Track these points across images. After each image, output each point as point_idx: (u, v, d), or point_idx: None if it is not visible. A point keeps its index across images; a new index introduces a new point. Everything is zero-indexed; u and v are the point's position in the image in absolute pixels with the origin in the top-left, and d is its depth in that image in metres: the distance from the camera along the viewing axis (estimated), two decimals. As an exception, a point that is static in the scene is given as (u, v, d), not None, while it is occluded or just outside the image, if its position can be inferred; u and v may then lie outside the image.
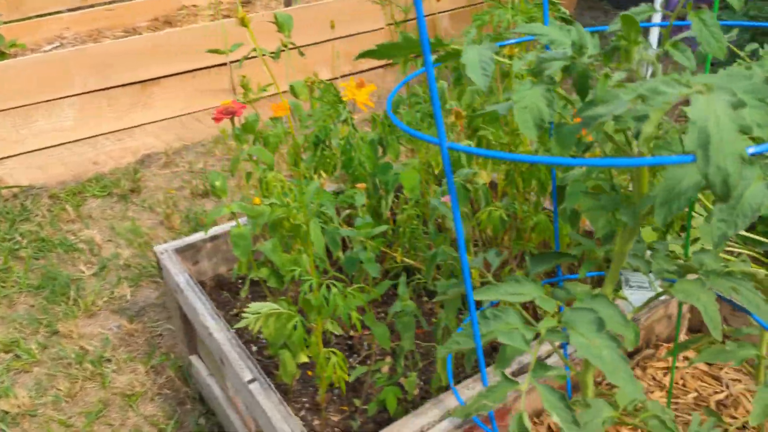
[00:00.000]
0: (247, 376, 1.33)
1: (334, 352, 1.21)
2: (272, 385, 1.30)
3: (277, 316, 1.16)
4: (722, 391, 1.49)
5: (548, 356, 1.32)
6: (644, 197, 0.87)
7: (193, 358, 1.81)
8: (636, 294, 1.01)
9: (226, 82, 3.40)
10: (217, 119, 1.15)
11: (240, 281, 1.92)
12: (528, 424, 0.73)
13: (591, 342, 0.74)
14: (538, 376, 0.77)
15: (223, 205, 1.18)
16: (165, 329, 2.16)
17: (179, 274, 1.64)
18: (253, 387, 1.30)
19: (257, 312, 1.15)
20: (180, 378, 1.95)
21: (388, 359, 1.32)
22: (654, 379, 1.53)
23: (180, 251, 1.76)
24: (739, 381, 1.52)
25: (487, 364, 1.16)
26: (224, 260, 1.86)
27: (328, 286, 1.15)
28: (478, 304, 1.32)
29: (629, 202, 0.91)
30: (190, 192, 2.97)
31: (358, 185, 1.41)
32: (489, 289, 0.85)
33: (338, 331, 1.25)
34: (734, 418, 1.43)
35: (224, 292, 1.89)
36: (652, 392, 1.50)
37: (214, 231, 1.82)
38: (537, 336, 0.81)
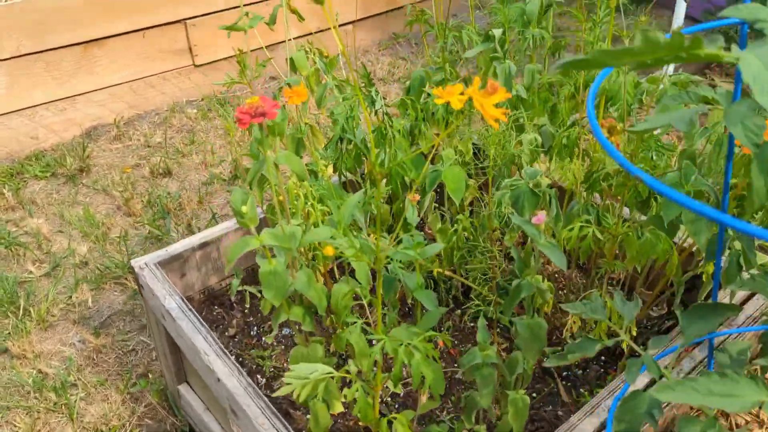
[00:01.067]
0: (276, 439, 1.06)
1: (396, 418, 0.95)
2: (311, 452, 1.04)
3: (327, 380, 0.90)
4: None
5: None
6: None
7: (183, 388, 1.52)
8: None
9: (181, 41, 2.99)
10: (242, 123, 0.85)
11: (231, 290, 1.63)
12: None
13: None
14: None
15: (251, 238, 0.89)
16: (138, 343, 1.85)
17: (168, 296, 1.33)
18: (286, 454, 1.04)
19: (304, 377, 0.88)
20: (164, 406, 1.65)
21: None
22: None
23: (164, 264, 1.44)
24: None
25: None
26: (215, 270, 1.56)
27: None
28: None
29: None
30: (149, 170, 2.60)
31: (411, 197, 1.13)
32: (678, 386, 0.61)
33: (400, 391, 0.99)
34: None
35: (216, 308, 1.60)
36: None
37: (203, 237, 1.51)
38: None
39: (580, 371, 1.42)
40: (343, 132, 1.23)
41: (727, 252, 1.12)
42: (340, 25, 3.54)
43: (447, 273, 1.18)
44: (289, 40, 1.49)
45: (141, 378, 1.74)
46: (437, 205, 1.47)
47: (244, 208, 0.87)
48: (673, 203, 1.10)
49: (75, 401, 1.67)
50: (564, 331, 1.29)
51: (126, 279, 2.06)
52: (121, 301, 2.00)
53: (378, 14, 3.64)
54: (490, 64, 1.21)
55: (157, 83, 3.05)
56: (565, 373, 1.42)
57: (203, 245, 1.50)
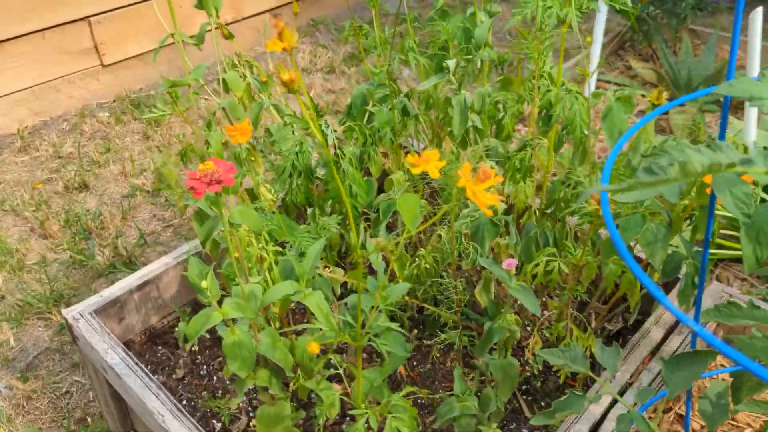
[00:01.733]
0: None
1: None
2: None
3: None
4: None
5: None
6: None
7: (130, 437, 1.43)
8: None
9: (86, 40, 2.77)
10: (197, 193, 0.76)
11: (176, 329, 1.54)
12: None
13: None
14: None
15: (212, 311, 0.82)
16: (72, 384, 1.73)
17: (110, 350, 1.24)
18: None
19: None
20: (109, 453, 1.56)
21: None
22: None
23: (101, 312, 1.34)
24: None
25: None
26: (155, 309, 1.46)
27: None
28: None
29: None
30: (63, 185, 2.42)
31: (376, 248, 1.08)
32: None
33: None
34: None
35: (159, 348, 1.50)
36: None
37: (141, 276, 1.41)
38: None
39: (539, 383, 1.43)
40: (293, 168, 1.16)
41: (683, 270, 1.14)
42: (256, 14, 3.39)
43: (414, 302, 1.14)
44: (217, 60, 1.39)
45: (79, 424, 1.62)
46: (388, 230, 1.43)
47: (204, 284, 0.80)
48: (634, 226, 1.10)
49: (8, 457, 1.55)
50: (526, 351, 1.29)
51: (50, 313, 1.91)
52: (47, 338, 1.85)
53: (297, 0, 3.51)
54: (446, 107, 1.17)
55: (63, 87, 2.83)
56: (524, 387, 1.43)
57: (142, 286, 1.40)
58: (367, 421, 0.94)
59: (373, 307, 1.09)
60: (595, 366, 1.40)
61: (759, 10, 1.74)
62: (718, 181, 0.63)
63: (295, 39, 0.60)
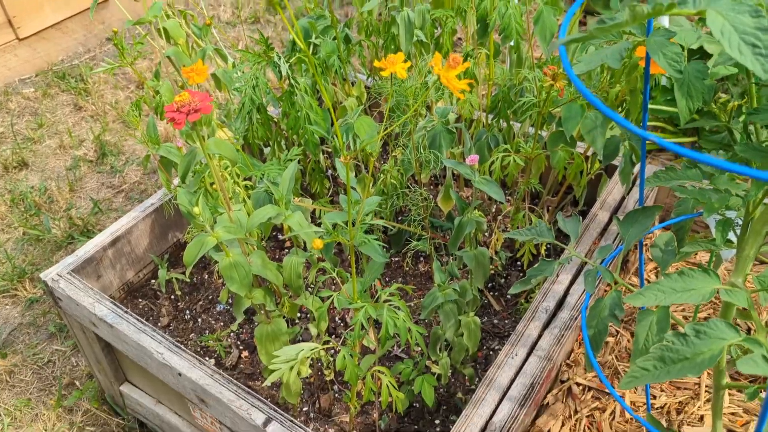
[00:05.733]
0: (259, 417, 1.08)
1: (381, 371, 1.01)
2: (295, 422, 1.07)
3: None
4: None
5: None
6: None
7: (125, 388, 1.48)
8: None
9: (-4, 14, 2.66)
10: (177, 123, 0.80)
11: (152, 281, 1.57)
12: None
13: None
14: None
15: (207, 237, 0.87)
16: (53, 353, 1.75)
17: (97, 303, 1.27)
18: (273, 429, 1.07)
19: (292, 359, 0.90)
20: (104, 410, 1.60)
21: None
22: None
23: (79, 270, 1.36)
24: None
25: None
26: (130, 264, 1.49)
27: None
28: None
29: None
30: (1, 165, 2.36)
31: (343, 159, 1.14)
32: (646, 292, 0.71)
33: (383, 350, 1.03)
34: None
35: (140, 300, 1.54)
36: None
37: (112, 232, 1.43)
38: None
39: (503, 279, 1.55)
40: (251, 103, 1.19)
41: (621, 151, 1.25)
42: (169, -29, 3.30)
43: (386, 223, 1.22)
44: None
45: (69, 388, 1.65)
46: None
47: (196, 210, 0.85)
48: (573, 117, 1.20)
49: (2, 429, 1.57)
50: (489, 249, 1.40)
51: (16, 289, 1.91)
52: (17, 314, 1.85)
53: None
54: (386, 31, 1.22)
55: (-20, 65, 2.71)
56: (490, 284, 1.54)
57: (114, 242, 1.42)
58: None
59: (348, 222, 1.16)
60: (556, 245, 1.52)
61: None
62: (652, 44, 0.72)
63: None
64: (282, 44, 3.12)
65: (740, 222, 0.80)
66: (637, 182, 1.49)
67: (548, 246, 1.52)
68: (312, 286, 1.40)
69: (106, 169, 2.35)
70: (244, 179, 1.32)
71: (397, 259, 1.57)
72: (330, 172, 1.67)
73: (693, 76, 0.75)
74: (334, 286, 1.37)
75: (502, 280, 1.55)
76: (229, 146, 0.97)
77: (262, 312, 1.09)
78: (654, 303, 0.72)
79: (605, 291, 1.42)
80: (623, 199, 1.45)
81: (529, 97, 1.14)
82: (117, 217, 2.15)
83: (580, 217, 0.96)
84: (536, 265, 0.91)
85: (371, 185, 1.41)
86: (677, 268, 0.99)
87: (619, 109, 1.30)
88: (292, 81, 1.20)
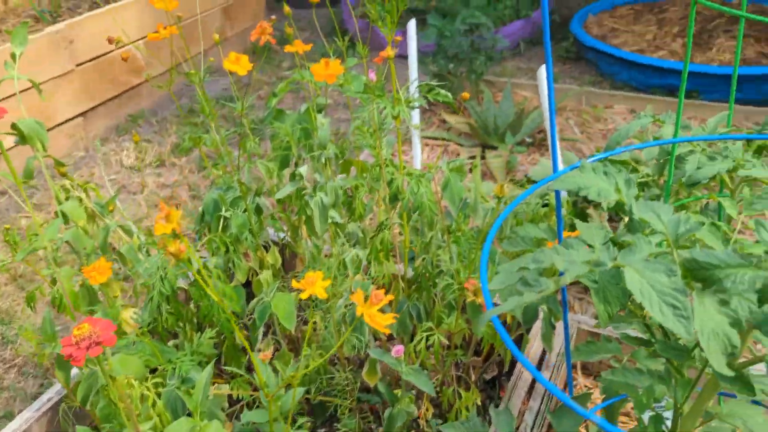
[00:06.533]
0: None
1: None
2: None
3: None
4: None
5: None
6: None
7: None
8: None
9: None
10: (77, 360, 0.72)
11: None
12: None
13: None
14: None
15: None
16: None
17: None
18: None
19: None
20: None
21: None
22: None
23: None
24: None
25: None
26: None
27: None
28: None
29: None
30: None
31: (262, 355, 1.08)
32: None
33: None
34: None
35: None
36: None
37: (1, 441, 1.28)
38: None
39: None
40: (160, 296, 1.13)
41: (540, 316, 1.27)
42: (69, 119, 3.23)
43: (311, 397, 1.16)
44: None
45: None
46: (266, 330, 1.44)
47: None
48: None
49: None
50: (419, 420, 1.35)
51: None
52: None
53: (109, 99, 3.41)
54: (299, 202, 1.22)
55: None
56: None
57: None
58: None
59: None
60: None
61: (543, 68, 2.00)
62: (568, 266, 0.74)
63: (180, 216, 0.61)
64: (189, 188, 3.09)
65: (670, 417, 0.81)
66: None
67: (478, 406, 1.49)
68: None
69: (-4, 341, 2.16)
70: (151, 370, 1.24)
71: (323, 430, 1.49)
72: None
73: (607, 281, 0.78)
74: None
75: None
76: (136, 363, 0.90)
77: None
78: None
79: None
80: (544, 352, 1.46)
81: (447, 280, 1.14)
82: (10, 397, 1.95)
83: (512, 412, 0.94)
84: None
85: (292, 360, 1.35)
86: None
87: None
88: (203, 272, 1.15)
